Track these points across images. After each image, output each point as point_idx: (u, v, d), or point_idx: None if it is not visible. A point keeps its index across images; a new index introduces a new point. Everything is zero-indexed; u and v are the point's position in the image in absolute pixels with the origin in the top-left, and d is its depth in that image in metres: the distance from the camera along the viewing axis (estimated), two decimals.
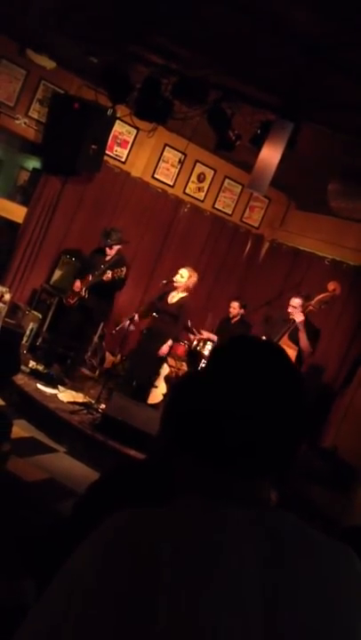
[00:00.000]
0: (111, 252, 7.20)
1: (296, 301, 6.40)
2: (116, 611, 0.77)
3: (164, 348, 6.82)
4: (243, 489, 0.91)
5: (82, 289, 7.08)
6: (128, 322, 6.97)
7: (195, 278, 6.97)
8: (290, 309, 6.42)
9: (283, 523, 0.90)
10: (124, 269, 6.94)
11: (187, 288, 6.91)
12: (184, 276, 6.87)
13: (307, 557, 0.88)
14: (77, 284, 7.18)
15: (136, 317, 6.99)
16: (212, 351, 1.02)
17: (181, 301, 6.90)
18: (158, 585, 0.77)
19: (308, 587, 0.85)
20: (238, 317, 7.71)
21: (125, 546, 0.81)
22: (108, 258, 7.20)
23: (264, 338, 6.46)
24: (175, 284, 6.88)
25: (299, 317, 6.20)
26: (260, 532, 0.87)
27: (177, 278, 6.87)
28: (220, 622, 0.78)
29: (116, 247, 7.22)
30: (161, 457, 1.44)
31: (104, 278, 6.92)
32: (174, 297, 6.92)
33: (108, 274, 6.89)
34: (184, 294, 6.91)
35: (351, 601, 0.88)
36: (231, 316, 7.77)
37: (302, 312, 6.22)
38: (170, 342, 6.86)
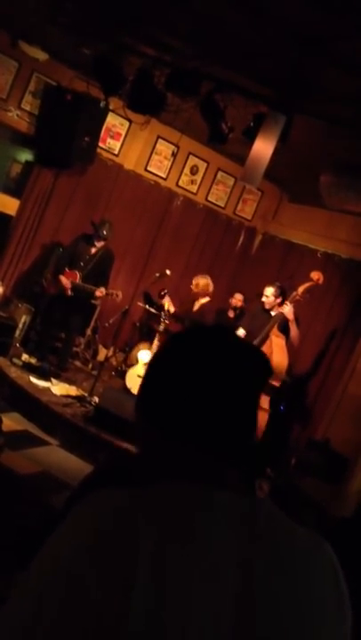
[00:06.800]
0: (100, 244, 7.14)
1: (270, 290, 6.39)
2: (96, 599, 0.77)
3: None
4: (217, 474, 0.92)
5: (70, 286, 6.98)
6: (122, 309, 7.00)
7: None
8: (271, 303, 6.38)
9: (258, 509, 0.92)
10: (119, 294, 7.06)
11: (209, 294, 7.17)
12: (209, 284, 7.13)
13: (281, 545, 0.90)
14: (65, 280, 6.99)
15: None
16: (173, 337, 1.07)
17: (203, 307, 7.15)
18: (136, 575, 0.78)
19: (283, 574, 0.88)
20: (238, 309, 7.85)
21: (108, 537, 0.81)
22: (94, 250, 7.12)
23: (242, 330, 6.43)
24: (202, 295, 7.12)
25: (290, 314, 6.12)
26: (239, 516, 0.89)
27: (203, 288, 7.10)
28: (194, 616, 0.79)
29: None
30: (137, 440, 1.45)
31: (97, 294, 7.02)
32: (196, 305, 7.22)
33: (102, 290, 6.97)
34: (206, 299, 7.18)
35: (323, 587, 0.91)
36: (232, 307, 7.93)
37: (289, 302, 6.15)
38: None
